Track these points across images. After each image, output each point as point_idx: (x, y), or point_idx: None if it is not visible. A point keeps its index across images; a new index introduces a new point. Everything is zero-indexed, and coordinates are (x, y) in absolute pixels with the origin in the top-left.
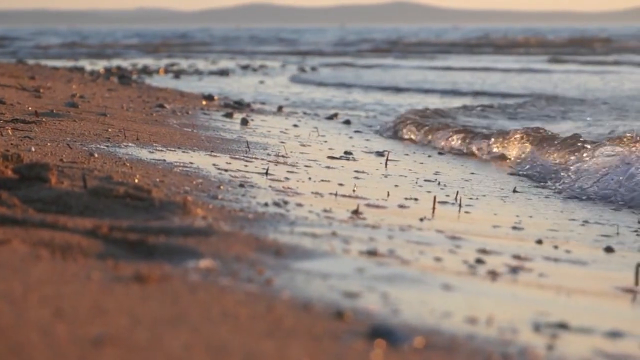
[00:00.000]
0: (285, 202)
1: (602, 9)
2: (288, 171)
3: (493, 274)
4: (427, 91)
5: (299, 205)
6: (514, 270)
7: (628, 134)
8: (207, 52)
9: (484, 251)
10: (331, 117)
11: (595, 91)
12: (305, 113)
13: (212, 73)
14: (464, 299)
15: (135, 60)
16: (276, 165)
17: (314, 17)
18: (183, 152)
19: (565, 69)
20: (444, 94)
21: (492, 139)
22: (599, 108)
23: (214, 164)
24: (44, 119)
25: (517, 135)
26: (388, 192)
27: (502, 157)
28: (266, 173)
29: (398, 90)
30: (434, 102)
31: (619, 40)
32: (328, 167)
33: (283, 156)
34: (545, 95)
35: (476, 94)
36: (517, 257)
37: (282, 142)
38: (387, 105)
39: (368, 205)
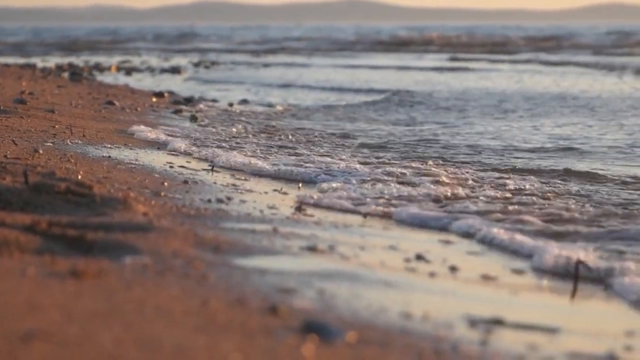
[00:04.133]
0: (229, 199)
1: (561, 6)
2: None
3: (432, 271)
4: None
5: (243, 201)
6: (453, 268)
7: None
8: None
9: (425, 250)
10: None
11: (451, 90)
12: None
13: (164, 70)
14: (401, 295)
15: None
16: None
17: (272, 15)
18: (129, 149)
19: (455, 67)
20: (323, 90)
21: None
22: (431, 105)
23: (159, 161)
24: None
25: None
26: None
27: None
28: (212, 170)
29: (285, 86)
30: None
31: (546, 38)
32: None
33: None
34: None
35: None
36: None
37: None
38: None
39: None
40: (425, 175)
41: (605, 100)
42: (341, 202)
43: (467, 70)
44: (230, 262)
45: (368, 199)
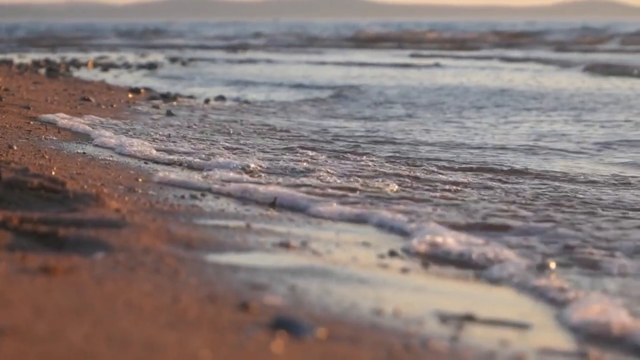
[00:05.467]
0: (203, 195)
1: (532, 3)
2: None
3: (405, 267)
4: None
5: (217, 197)
6: (425, 264)
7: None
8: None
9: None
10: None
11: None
12: None
13: (141, 67)
14: (373, 291)
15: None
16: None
17: (250, 11)
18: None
19: (414, 64)
20: (272, 86)
21: None
22: (358, 101)
23: (134, 157)
24: None
25: None
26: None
27: None
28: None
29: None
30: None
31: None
32: None
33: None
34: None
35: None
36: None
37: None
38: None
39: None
40: (296, 161)
41: (526, 94)
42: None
43: (422, 67)
44: (202, 258)
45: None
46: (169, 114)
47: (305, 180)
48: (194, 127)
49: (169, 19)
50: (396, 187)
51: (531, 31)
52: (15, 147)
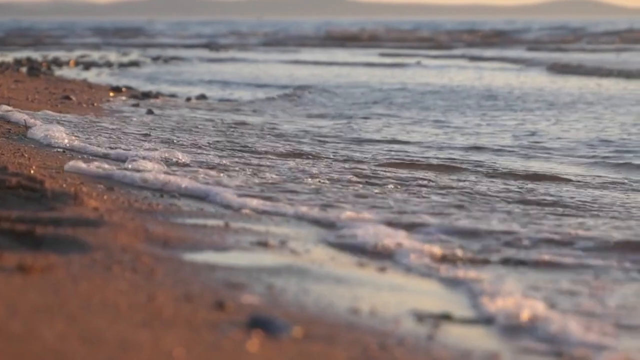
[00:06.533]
0: (182, 194)
1: (516, 2)
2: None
3: (382, 266)
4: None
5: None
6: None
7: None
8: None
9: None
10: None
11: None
12: None
13: (122, 65)
14: (350, 290)
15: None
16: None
17: (234, 10)
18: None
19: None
20: (223, 84)
21: None
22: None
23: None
24: None
25: None
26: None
27: None
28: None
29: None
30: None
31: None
32: None
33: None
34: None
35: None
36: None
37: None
38: None
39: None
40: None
41: (472, 94)
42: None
43: (387, 66)
44: (180, 257)
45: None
46: (150, 112)
47: (218, 173)
48: (153, 124)
49: (152, 17)
50: (316, 181)
51: (509, 30)
52: None
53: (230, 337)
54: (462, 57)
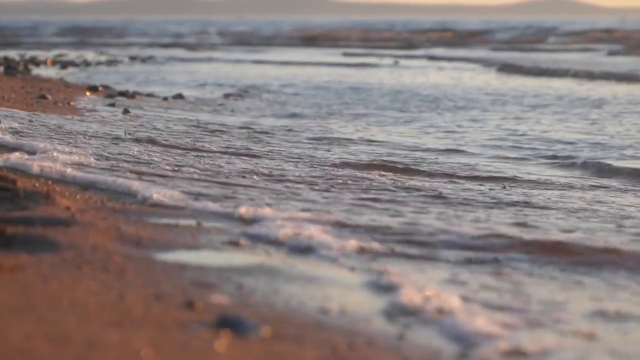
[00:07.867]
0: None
1: (497, 2)
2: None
3: (353, 266)
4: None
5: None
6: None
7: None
8: None
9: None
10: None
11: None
12: None
13: (100, 64)
14: (321, 289)
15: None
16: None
17: (215, 9)
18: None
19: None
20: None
21: None
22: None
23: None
24: None
25: None
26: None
27: None
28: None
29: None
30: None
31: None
32: None
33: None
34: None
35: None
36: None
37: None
38: None
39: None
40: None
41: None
42: None
43: (353, 66)
44: (151, 256)
45: None
46: (126, 111)
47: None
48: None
49: (131, 16)
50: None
51: (483, 30)
52: None
53: (199, 337)
54: (422, 57)
